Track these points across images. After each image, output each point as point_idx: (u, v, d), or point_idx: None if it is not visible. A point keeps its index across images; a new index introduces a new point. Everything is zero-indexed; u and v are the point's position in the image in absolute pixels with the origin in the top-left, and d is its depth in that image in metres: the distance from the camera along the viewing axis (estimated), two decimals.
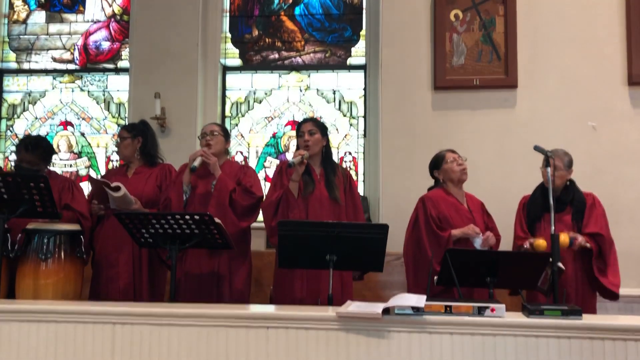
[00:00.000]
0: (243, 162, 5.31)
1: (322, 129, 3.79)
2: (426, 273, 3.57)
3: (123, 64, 5.56)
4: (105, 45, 5.65)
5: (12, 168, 3.77)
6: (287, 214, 3.57)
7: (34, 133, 5.47)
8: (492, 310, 2.43)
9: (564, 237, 3.47)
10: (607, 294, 3.63)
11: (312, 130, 3.72)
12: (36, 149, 3.72)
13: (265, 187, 5.03)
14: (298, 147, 3.73)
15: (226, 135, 3.89)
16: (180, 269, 3.62)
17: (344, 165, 5.19)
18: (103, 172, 5.42)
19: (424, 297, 2.57)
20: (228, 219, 3.52)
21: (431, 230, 3.63)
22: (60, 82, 5.64)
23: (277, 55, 5.53)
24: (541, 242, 3.52)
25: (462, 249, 3.49)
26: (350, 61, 5.44)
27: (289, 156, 5.33)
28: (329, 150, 3.82)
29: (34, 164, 3.68)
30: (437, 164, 3.84)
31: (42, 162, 3.73)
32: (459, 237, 3.60)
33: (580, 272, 3.65)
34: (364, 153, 5.30)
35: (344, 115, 5.37)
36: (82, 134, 5.56)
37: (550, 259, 3.01)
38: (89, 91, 5.61)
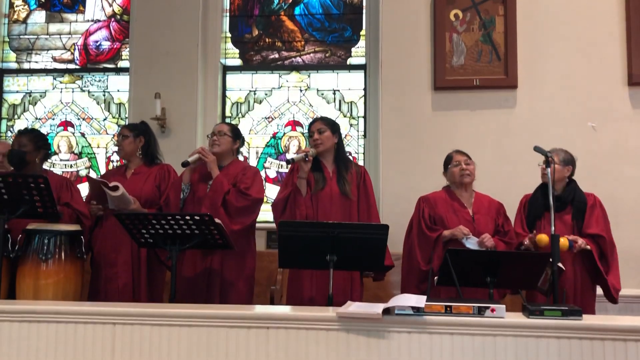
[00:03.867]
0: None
1: (333, 126, 3.80)
2: (416, 272, 3.61)
3: (123, 63, 5.56)
4: (106, 45, 5.65)
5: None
6: (294, 211, 3.58)
7: None
8: (492, 310, 2.44)
9: (563, 241, 3.46)
10: (608, 296, 3.64)
11: (321, 128, 3.74)
12: (29, 132, 3.83)
13: (266, 189, 5.05)
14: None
15: (235, 135, 3.85)
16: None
17: None
18: (103, 172, 5.42)
19: (424, 297, 2.57)
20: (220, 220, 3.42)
21: (421, 230, 3.66)
22: (61, 83, 5.64)
23: (277, 55, 5.53)
24: (543, 237, 3.50)
25: (462, 249, 3.50)
26: (351, 61, 5.44)
27: (291, 156, 5.32)
28: (341, 147, 3.83)
29: (23, 145, 3.72)
30: (445, 165, 3.87)
31: (31, 145, 3.74)
32: (449, 238, 3.61)
33: (580, 273, 3.65)
34: (364, 153, 5.30)
35: (344, 116, 5.37)
36: (83, 135, 5.56)
37: (550, 259, 3.01)
38: (89, 91, 5.61)
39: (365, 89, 5.36)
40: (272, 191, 5.19)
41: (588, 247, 3.58)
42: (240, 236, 3.60)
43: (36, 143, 3.76)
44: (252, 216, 3.67)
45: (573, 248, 3.54)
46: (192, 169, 3.68)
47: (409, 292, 3.17)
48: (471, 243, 3.59)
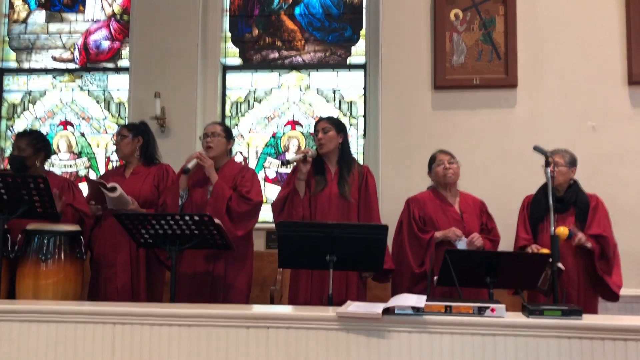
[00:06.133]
0: (244, 163, 5.29)
1: (338, 125, 3.76)
2: (407, 274, 3.60)
3: (123, 63, 5.56)
4: (106, 44, 5.64)
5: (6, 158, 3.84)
6: (291, 212, 3.58)
7: None
8: (492, 310, 2.44)
9: (563, 229, 3.46)
10: (608, 295, 3.63)
11: (325, 127, 3.71)
12: (28, 135, 3.79)
13: (266, 190, 5.06)
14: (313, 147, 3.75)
15: (228, 135, 3.84)
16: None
17: None
18: (103, 172, 5.41)
19: (424, 297, 2.57)
20: (224, 227, 3.41)
21: (412, 232, 3.65)
22: (60, 82, 5.64)
23: (277, 55, 5.52)
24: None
25: (462, 249, 3.50)
26: (350, 60, 5.44)
27: (289, 156, 5.32)
28: (346, 147, 3.78)
29: (22, 149, 3.69)
30: (429, 165, 3.87)
31: (31, 149, 3.71)
32: (441, 239, 3.61)
33: (582, 272, 3.64)
34: (363, 153, 5.30)
35: (344, 115, 5.36)
36: (82, 134, 5.56)
37: (550, 259, 3.01)
38: (89, 91, 5.61)
39: (365, 88, 5.35)
40: (271, 191, 5.20)
41: (588, 244, 3.58)
42: (242, 239, 3.60)
43: (35, 145, 3.73)
44: (254, 220, 3.66)
45: (572, 239, 3.53)
46: (189, 175, 3.66)
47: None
48: (461, 244, 3.59)
